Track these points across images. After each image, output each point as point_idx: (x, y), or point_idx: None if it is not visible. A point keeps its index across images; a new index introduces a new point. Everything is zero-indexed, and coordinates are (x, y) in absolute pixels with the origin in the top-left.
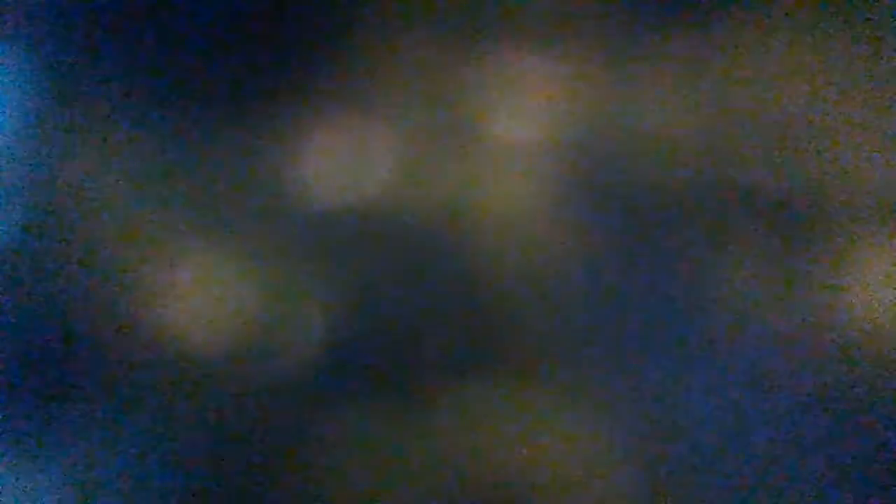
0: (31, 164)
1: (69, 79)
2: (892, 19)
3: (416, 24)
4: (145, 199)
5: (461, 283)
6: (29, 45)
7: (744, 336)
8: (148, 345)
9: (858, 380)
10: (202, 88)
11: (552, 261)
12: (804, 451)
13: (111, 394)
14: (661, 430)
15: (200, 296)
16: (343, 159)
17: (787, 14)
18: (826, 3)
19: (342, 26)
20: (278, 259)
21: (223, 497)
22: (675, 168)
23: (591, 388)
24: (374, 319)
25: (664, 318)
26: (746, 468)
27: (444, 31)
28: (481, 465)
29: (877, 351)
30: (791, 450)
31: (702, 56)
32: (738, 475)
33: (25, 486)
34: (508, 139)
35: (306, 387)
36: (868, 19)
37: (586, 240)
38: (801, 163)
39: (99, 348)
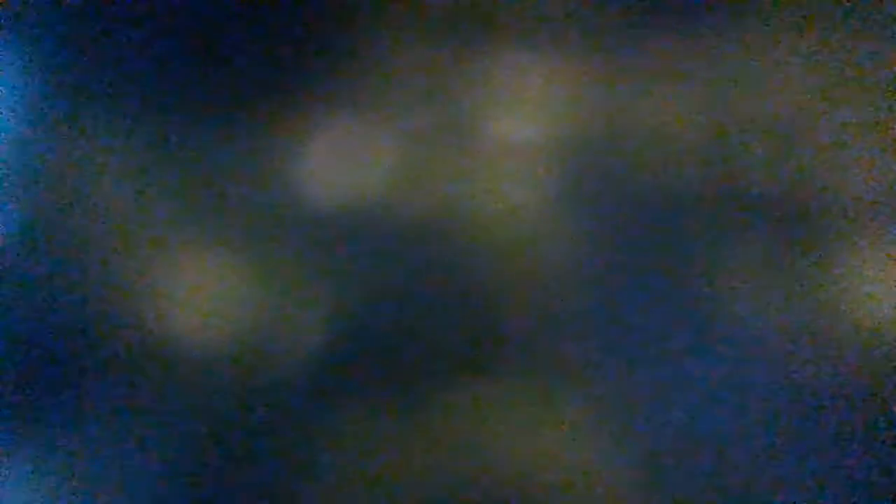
0: (31, 164)
1: (69, 79)
2: (892, 19)
3: (416, 24)
4: (145, 199)
5: (461, 282)
6: (29, 45)
7: (744, 336)
8: (148, 344)
9: (858, 380)
10: (202, 89)
11: (552, 260)
12: (803, 451)
13: (111, 393)
14: (661, 430)
15: (200, 295)
16: (343, 159)
17: (787, 14)
18: (826, 3)
19: (342, 26)
20: (278, 259)
21: (223, 497)
22: (674, 168)
23: (591, 387)
24: (374, 319)
25: (664, 318)
26: (746, 468)
27: (444, 31)
28: (481, 465)
29: (877, 351)
30: (791, 449)
31: (702, 56)
32: (738, 475)
33: (25, 486)
34: (508, 139)
35: (306, 386)
36: (868, 19)
37: (586, 240)
38: (801, 163)
39: (99, 348)
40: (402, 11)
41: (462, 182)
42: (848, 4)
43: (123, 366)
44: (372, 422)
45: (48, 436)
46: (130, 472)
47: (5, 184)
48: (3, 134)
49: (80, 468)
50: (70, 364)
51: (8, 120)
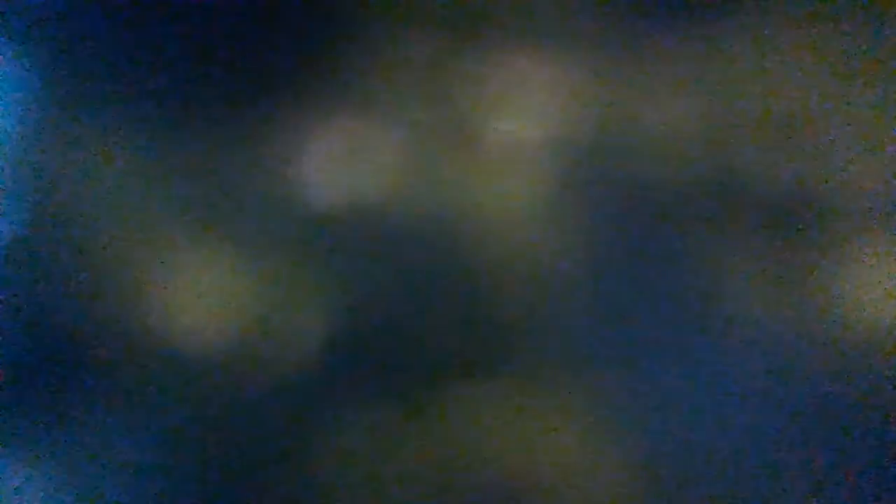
0: (31, 165)
1: (70, 80)
2: (892, 19)
3: (416, 24)
4: (145, 199)
5: (462, 282)
6: (29, 46)
7: (744, 336)
8: (148, 344)
9: (858, 380)
10: (202, 89)
11: (552, 260)
12: (803, 451)
13: (111, 393)
14: (661, 431)
15: (201, 296)
16: (343, 159)
17: (787, 14)
18: (827, 3)
19: (342, 26)
20: (278, 259)
21: (223, 497)
22: (675, 167)
23: (591, 388)
24: (374, 320)
25: (665, 318)
26: (746, 468)
27: (444, 30)
28: (482, 466)
29: (877, 351)
30: (790, 449)
31: (702, 56)
32: (738, 475)
33: (25, 486)
34: (508, 139)
35: (306, 387)
36: (868, 19)
37: (587, 239)
38: (800, 163)
39: (99, 348)
40: (402, 11)
41: (462, 181)
42: (848, 4)
43: (124, 366)
44: (372, 422)
45: (48, 435)
46: (130, 472)
47: (6, 185)
48: (3, 135)
49: (81, 467)
50: (71, 364)
51: (8, 121)
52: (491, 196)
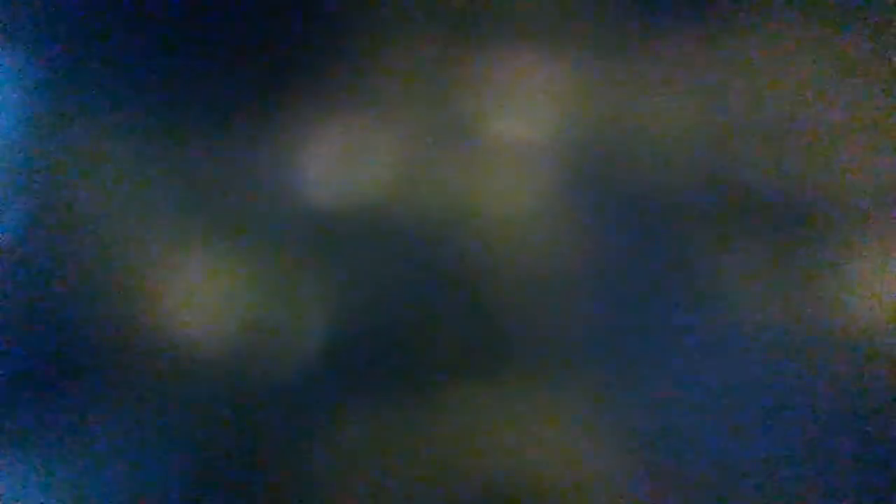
0: (31, 165)
1: (69, 79)
2: (892, 19)
3: (416, 24)
4: (145, 198)
5: (462, 283)
6: (29, 46)
7: (744, 336)
8: (148, 344)
9: (858, 380)
10: (202, 88)
11: (553, 261)
12: (803, 451)
13: (110, 393)
14: (661, 431)
15: (200, 295)
16: (343, 159)
17: (787, 14)
18: (827, 3)
19: (342, 26)
20: (278, 259)
21: (223, 496)
22: (675, 168)
23: (592, 388)
24: (374, 320)
25: (665, 319)
26: (746, 468)
27: (444, 31)
28: (483, 467)
29: (877, 351)
30: (790, 449)
31: (702, 55)
32: (738, 475)
33: (24, 486)
34: (508, 139)
35: (306, 387)
36: (868, 19)
37: (587, 240)
38: (801, 163)
39: (99, 348)
40: (401, 11)
41: (462, 182)
42: (848, 4)
43: (123, 366)
44: (373, 422)
45: (48, 436)
46: (129, 472)
47: (6, 184)
48: (3, 135)
49: (80, 467)
50: (70, 364)
51: (8, 121)
52: (491, 196)
